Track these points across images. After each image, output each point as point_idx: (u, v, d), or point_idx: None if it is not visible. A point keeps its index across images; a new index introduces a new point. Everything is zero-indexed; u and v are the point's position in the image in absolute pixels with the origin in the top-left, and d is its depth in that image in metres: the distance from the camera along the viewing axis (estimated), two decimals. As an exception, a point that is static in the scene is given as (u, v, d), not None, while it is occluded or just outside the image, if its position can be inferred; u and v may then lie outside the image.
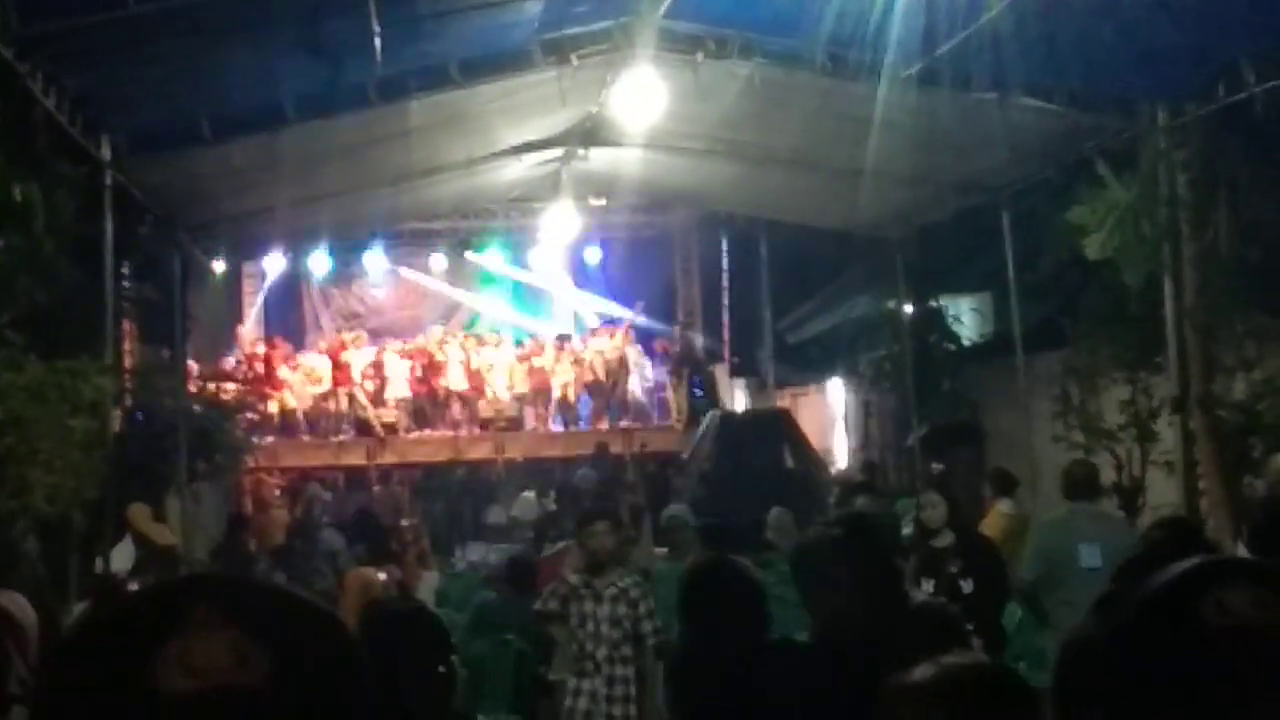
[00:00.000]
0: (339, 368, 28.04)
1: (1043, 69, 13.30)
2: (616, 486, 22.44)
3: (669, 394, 29.59)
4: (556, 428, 28.90)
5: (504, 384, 28.78)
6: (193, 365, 23.08)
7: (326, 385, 27.83)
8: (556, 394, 28.93)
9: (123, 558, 13.53)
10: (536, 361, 29.07)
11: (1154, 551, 4.74)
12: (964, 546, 10.73)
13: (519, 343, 30.42)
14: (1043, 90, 14.23)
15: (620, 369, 29.07)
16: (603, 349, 29.23)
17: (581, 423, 28.98)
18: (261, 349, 28.30)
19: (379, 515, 18.85)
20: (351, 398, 28.01)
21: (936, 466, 18.50)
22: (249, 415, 23.21)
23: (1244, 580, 1.62)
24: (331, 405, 27.82)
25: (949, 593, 9.78)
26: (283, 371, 27.71)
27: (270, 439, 25.65)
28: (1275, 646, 1.57)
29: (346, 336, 29.24)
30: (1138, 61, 12.99)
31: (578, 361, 29.08)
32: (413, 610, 5.49)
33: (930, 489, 11.71)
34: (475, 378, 28.81)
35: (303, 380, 27.81)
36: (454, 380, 28.80)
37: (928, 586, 9.99)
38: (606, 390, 29.04)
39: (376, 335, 30.19)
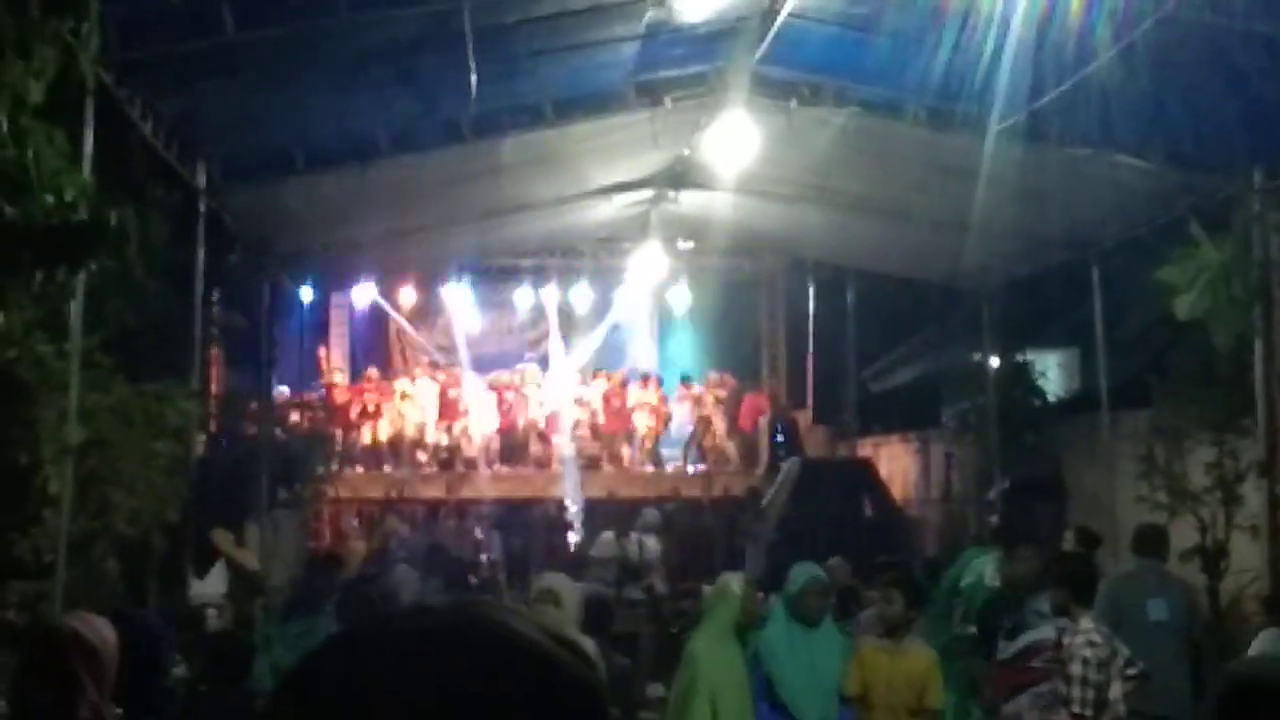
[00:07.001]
0: (446, 403, 28.08)
1: (1138, 127, 13.22)
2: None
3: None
4: (637, 469, 28.73)
5: (586, 422, 28.71)
6: (284, 390, 23.19)
7: (421, 417, 27.80)
8: (641, 434, 28.85)
9: (216, 582, 13.62)
10: (614, 402, 28.92)
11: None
12: None
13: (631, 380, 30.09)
14: (1138, 148, 14.13)
15: (707, 415, 28.93)
16: (687, 396, 29.15)
17: (667, 465, 28.83)
18: (340, 378, 28.25)
19: (453, 550, 18.83)
20: (440, 431, 28.02)
21: (991, 519, 18.00)
22: (333, 445, 23.32)
23: None
24: (416, 438, 27.82)
25: None
26: (371, 398, 27.71)
27: (351, 469, 25.77)
28: None
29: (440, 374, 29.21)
30: (1235, 122, 12.86)
31: (659, 404, 29.01)
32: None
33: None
34: (558, 415, 28.78)
35: (396, 409, 27.73)
36: (537, 417, 28.80)
37: None
38: (698, 435, 28.97)
39: (462, 370, 30.19)
